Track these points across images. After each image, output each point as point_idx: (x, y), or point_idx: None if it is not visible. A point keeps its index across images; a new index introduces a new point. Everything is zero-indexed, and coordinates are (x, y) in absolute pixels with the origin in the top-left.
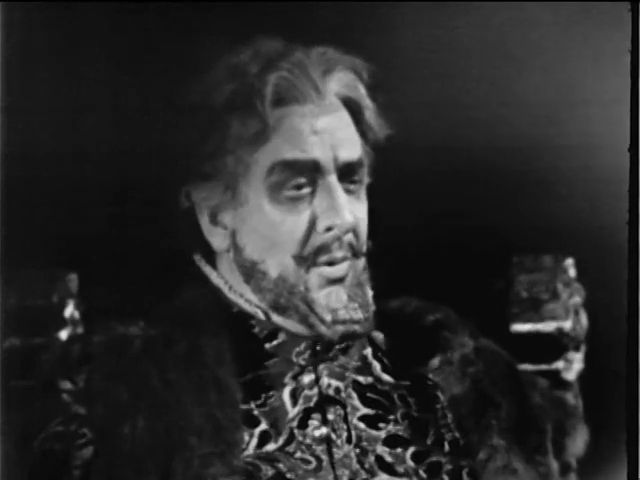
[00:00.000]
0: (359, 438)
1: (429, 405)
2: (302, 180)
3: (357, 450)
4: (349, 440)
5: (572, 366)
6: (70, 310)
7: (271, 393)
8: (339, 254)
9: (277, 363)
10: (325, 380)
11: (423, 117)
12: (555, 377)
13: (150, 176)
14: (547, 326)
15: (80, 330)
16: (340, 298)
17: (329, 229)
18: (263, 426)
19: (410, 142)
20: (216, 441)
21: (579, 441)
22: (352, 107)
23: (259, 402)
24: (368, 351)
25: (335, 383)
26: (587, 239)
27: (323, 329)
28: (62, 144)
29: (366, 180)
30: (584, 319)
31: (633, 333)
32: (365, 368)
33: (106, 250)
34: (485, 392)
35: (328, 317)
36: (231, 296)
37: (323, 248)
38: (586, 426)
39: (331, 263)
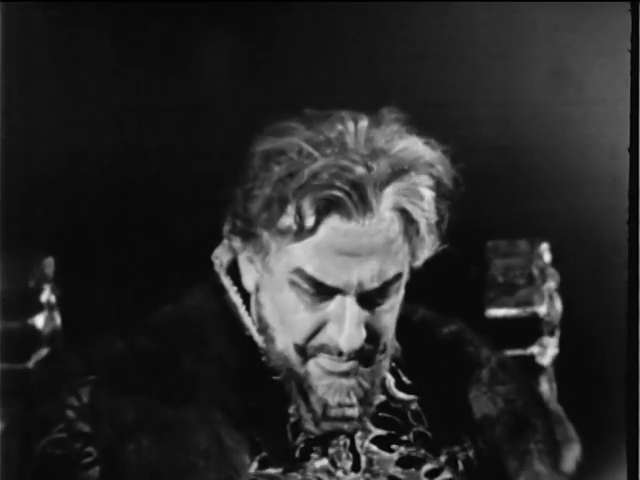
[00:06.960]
0: (370, 462)
1: (442, 422)
2: (320, 294)
3: (366, 475)
4: (356, 468)
5: (546, 351)
6: (46, 295)
7: (273, 423)
8: (344, 357)
9: (281, 395)
10: None
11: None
12: (530, 362)
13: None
14: (522, 311)
15: (56, 314)
16: (339, 393)
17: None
18: (264, 454)
19: None
20: (222, 465)
21: (571, 460)
22: (407, 219)
23: (261, 430)
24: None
25: None
26: (587, 239)
27: (309, 425)
28: (62, 144)
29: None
30: (558, 304)
31: (633, 333)
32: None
33: (87, 237)
34: (519, 413)
35: (319, 411)
36: (246, 320)
37: (325, 348)
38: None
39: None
